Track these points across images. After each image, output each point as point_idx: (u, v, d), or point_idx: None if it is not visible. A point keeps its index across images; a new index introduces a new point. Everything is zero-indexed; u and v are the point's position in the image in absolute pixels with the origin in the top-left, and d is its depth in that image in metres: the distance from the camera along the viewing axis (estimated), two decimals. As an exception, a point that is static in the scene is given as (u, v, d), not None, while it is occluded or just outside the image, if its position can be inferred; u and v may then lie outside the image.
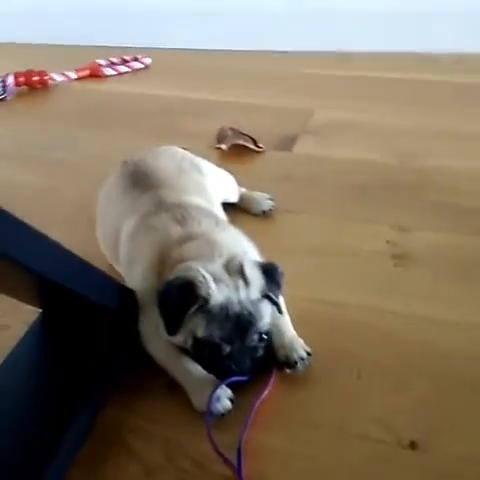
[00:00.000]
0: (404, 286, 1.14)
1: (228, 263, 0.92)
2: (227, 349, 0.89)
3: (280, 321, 0.98)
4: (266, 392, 0.90)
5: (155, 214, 1.06)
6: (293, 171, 1.58)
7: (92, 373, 0.92)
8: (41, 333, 1.01)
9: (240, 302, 0.89)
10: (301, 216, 1.37)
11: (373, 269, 1.18)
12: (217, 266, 0.91)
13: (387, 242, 1.25)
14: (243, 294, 0.89)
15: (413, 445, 0.82)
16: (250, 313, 0.89)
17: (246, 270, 0.90)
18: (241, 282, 0.90)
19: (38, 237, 0.73)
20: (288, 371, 0.94)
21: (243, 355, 0.90)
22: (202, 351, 0.90)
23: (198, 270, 0.89)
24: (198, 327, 0.88)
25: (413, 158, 1.60)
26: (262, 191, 1.42)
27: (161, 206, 1.07)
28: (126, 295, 0.98)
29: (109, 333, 0.96)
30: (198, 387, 0.90)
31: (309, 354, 0.95)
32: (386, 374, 0.94)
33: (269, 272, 0.93)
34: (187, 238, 0.98)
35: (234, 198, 1.39)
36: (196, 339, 0.89)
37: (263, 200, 1.40)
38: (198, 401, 0.89)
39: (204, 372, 0.91)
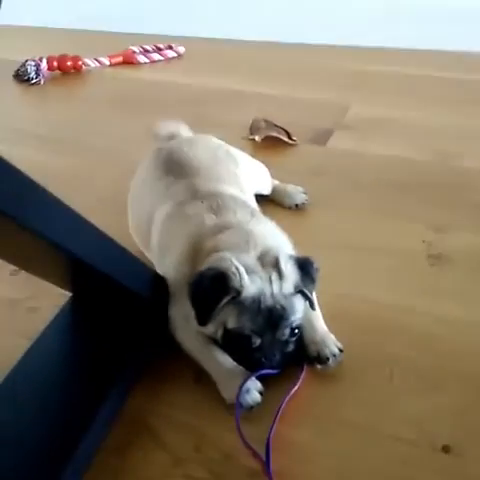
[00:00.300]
0: (439, 286, 1.11)
1: (263, 255, 0.90)
2: (257, 342, 0.88)
3: (312, 316, 0.96)
4: (296, 387, 0.89)
5: (189, 203, 1.04)
6: (327, 165, 1.55)
7: (120, 358, 0.92)
8: (71, 317, 1.01)
9: (273, 295, 0.87)
10: (334, 211, 1.35)
11: (408, 268, 1.16)
12: (251, 258, 0.89)
13: (423, 241, 1.22)
14: (276, 287, 0.87)
15: (446, 449, 0.81)
16: (282, 307, 0.87)
17: (281, 263, 0.88)
18: (275, 275, 0.88)
19: (77, 219, 0.73)
20: (319, 367, 0.93)
21: (273, 348, 0.89)
22: (232, 342, 0.89)
23: (231, 261, 0.87)
24: (229, 318, 0.87)
25: (450, 157, 1.56)
26: (295, 184, 1.40)
27: (196, 195, 1.06)
28: (158, 282, 0.97)
29: (139, 319, 0.96)
30: (227, 378, 0.89)
31: (341, 350, 0.93)
32: (419, 375, 0.92)
33: (304, 267, 0.91)
34: (222, 228, 0.97)
35: (267, 190, 1.37)
36: (226, 330, 0.88)
37: (296, 193, 1.38)
38: (227, 392, 0.88)
39: (234, 363, 0.90)
